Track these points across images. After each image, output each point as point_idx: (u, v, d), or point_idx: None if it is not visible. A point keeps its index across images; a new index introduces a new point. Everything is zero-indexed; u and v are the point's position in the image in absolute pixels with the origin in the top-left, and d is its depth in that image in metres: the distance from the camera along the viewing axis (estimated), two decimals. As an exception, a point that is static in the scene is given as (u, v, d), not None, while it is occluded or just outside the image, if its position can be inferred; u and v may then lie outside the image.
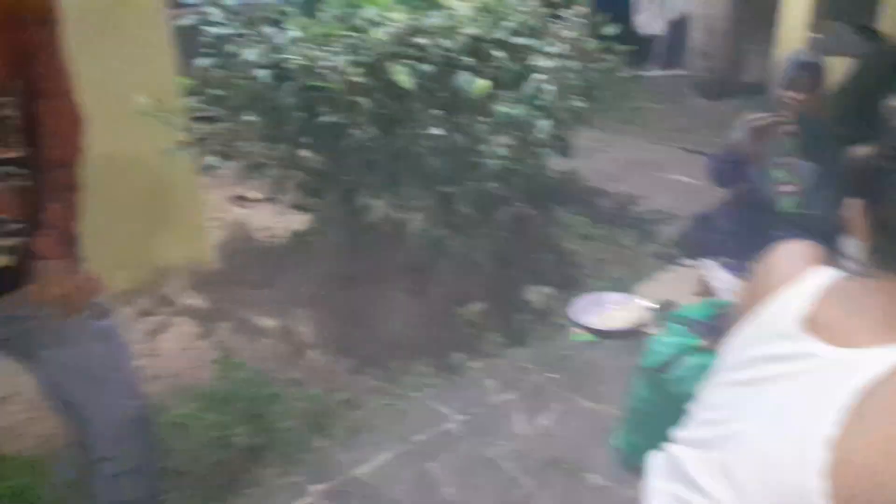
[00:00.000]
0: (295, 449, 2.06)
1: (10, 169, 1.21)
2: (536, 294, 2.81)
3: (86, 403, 1.42)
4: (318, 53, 2.42)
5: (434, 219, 2.68)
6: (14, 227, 1.22)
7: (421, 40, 2.47)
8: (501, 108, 2.59)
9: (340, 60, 2.39)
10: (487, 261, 2.73)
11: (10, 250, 1.22)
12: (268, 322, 2.60)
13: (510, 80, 2.69)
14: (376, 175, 2.55)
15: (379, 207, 2.68)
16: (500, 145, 2.69)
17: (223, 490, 1.92)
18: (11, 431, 2.06)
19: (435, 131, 2.48)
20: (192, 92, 2.61)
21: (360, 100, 2.42)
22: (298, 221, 3.07)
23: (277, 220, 3.24)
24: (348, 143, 2.46)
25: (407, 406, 2.27)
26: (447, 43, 2.50)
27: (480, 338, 2.55)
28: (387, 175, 2.55)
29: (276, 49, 2.48)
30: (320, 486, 1.95)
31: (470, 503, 1.90)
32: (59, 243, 1.26)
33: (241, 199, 3.55)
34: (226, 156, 2.63)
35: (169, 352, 2.44)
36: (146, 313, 2.60)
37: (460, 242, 2.66)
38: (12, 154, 1.21)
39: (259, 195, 3.51)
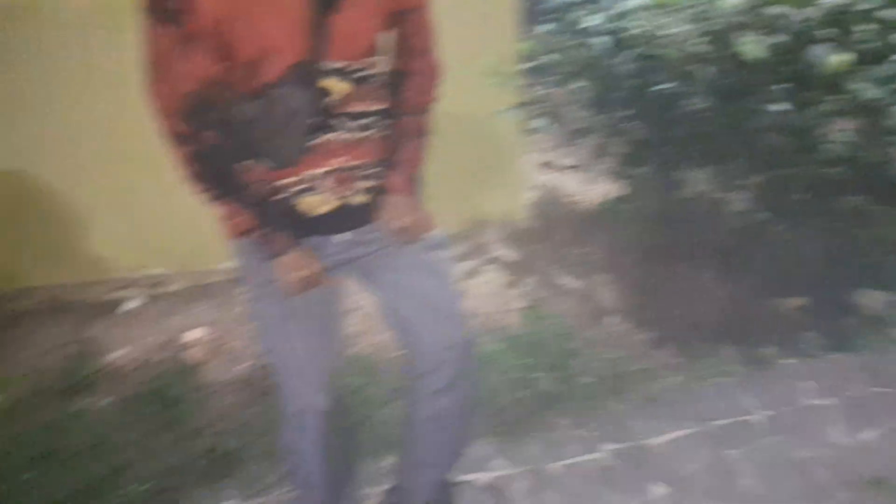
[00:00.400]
0: (590, 405, 2.13)
1: (376, 119, 1.35)
2: (870, 298, 2.48)
3: (416, 322, 1.53)
4: (660, 21, 2.40)
5: (760, 201, 2.51)
6: (373, 170, 1.37)
7: (774, 9, 2.30)
8: (857, 87, 2.31)
9: (684, 29, 2.34)
10: (815, 254, 2.48)
11: (368, 190, 1.38)
12: (573, 282, 2.70)
13: (872, 58, 2.38)
14: (702, 149, 2.46)
15: (698, 182, 2.59)
16: (847, 128, 2.41)
17: (518, 426, 2.07)
18: (352, 338, 2.44)
19: (776, 107, 2.31)
20: (528, 57, 2.76)
21: (698, 69, 2.34)
22: (606, 190, 3.10)
23: (585, 188, 3.31)
24: (678, 113, 2.41)
25: (705, 389, 2.20)
26: (804, 12, 2.30)
27: (796, 335, 2.35)
28: (714, 149, 2.45)
29: (618, 17, 2.51)
30: (612, 446, 1.99)
31: (771, 501, 1.79)
32: (406, 181, 1.41)
33: (549, 166, 3.68)
34: (553, 119, 2.75)
35: (480, 294, 2.66)
36: (463, 257, 2.86)
37: (786, 229, 2.46)
38: (380, 106, 1.35)
39: (567, 162, 3.61)
